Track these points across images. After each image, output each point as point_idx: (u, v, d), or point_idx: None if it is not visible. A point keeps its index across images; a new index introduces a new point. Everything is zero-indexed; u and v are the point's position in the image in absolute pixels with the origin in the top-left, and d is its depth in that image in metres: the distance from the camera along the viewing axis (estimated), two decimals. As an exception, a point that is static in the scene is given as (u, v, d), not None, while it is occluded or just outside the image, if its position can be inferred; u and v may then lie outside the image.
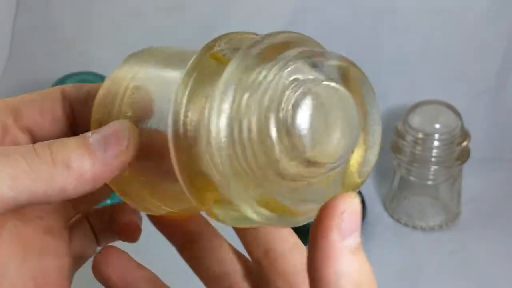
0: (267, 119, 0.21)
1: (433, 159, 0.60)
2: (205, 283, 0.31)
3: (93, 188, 0.23)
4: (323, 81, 0.22)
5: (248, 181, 0.21)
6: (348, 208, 0.20)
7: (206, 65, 0.23)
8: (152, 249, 0.44)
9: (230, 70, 0.21)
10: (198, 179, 0.22)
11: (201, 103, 0.22)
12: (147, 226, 0.31)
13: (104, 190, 0.26)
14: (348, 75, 0.24)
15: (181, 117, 0.22)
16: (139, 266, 0.31)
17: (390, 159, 0.64)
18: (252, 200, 0.21)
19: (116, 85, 0.26)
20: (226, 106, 0.21)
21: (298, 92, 0.21)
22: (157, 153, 0.24)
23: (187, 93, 0.22)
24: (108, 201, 0.65)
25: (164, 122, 0.23)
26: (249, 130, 0.21)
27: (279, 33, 0.22)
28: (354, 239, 0.20)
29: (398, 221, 0.65)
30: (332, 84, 0.22)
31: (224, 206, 0.22)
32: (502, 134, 0.71)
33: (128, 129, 0.24)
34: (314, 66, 0.22)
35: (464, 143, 0.61)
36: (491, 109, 0.70)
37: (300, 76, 0.22)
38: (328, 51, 0.24)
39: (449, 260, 0.60)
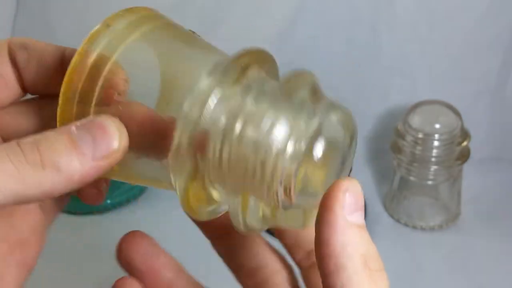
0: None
1: (433, 159, 0.60)
2: (238, 277, 0.31)
3: (81, 186, 0.23)
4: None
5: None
6: (351, 188, 0.22)
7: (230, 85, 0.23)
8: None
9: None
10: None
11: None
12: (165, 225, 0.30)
13: None
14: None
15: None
16: (164, 252, 0.31)
17: (390, 159, 0.64)
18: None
19: (100, 57, 0.25)
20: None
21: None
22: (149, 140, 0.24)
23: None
24: (108, 201, 0.65)
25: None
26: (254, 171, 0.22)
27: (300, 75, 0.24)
28: (357, 218, 0.22)
29: (398, 221, 0.65)
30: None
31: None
32: (502, 134, 0.71)
33: (118, 128, 0.23)
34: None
35: (464, 143, 0.61)
36: (491, 109, 0.70)
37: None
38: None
39: (449, 260, 0.60)
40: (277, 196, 0.23)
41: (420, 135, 0.60)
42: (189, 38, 0.26)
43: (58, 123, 0.24)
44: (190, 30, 0.27)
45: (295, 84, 0.24)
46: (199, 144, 0.23)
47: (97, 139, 0.23)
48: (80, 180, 0.22)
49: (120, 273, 0.66)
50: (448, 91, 0.69)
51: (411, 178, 0.63)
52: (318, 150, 0.23)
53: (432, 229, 0.64)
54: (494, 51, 0.68)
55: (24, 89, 0.27)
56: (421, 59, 0.69)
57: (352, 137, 0.25)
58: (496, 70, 0.69)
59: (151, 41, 0.25)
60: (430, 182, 0.62)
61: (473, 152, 0.62)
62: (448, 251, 0.61)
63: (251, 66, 0.24)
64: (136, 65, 0.25)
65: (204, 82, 0.23)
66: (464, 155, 0.61)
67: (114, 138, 0.23)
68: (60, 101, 0.24)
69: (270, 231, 0.29)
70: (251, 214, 0.24)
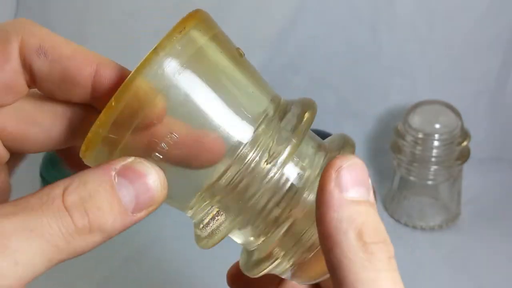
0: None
1: (433, 159, 0.60)
2: None
3: None
4: None
5: None
6: (345, 164, 0.22)
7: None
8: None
9: None
10: None
11: None
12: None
13: None
14: None
15: None
16: None
17: (390, 159, 0.64)
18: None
19: (148, 89, 0.22)
20: None
21: None
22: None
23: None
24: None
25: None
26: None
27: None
28: (357, 193, 0.22)
29: (398, 221, 0.65)
30: None
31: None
32: (502, 134, 0.71)
33: (160, 179, 0.22)
34: None
35: (464, 143, 0.61)
36: (491, 109, 0.70)
37: None
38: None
39: (449, 260, 0.60)
40: None
41: (420, 135, 0.60)
42: (236, 67, 0.25)
43: (89, 143, 0.23)
44: (238, 49, 0.26)
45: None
46: None
47: (140, 196, 0.22)
48: (116, 234, 0.22)
49: (120, 273, 0.66)
50: (448, 91, 0.69)
51: (411, 178, 0.63)
52: None
53: (432, 229, 0.64)
54: (494, 51, 0.68)
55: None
56: (421, 59, 0.69)
57: None
58: (496, 70, 0.69)
59: (198, 75, 0.23)
60: (430, 182, 0.62)
61: (473, 152, 0.62)
62: (448, 251, 0.61)
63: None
64: (180, 104, 0.23)
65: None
66: (464, 155, 0.61)
67: (156, 191, 0.22)
68: (97, 124, 0.22)
69: None
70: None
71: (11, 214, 0.20)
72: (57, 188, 0.21)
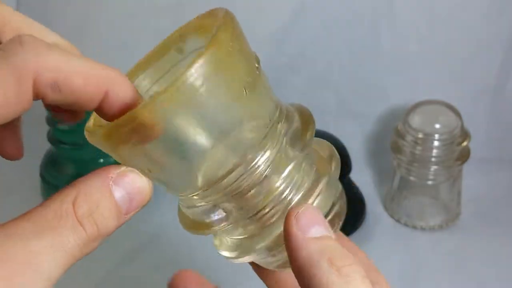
0: None
1: (433, 159, 0.60)
2: None
3: None
4: None
5: None
6: (300, 210, 0.25)
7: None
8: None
9: None
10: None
11: None
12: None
13: None
14: None
15: None
16: None
17: (390, 159, 0.64)
18: None
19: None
20: None
21: None
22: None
23: None
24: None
25: None
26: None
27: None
28: (316, 231, 0.25)
29: (398, 221, 0.65)
30: None
31: None
32: (502, 134, 0.71)
33: (151, 189, 0.26)
34: None
35: (464, 143, 0.61)
36: (491, 109, 0.70)
37: None
38: None
39: (449, 260, 0.60)
40: None
41: (420, 135, 0.60)
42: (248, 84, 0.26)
43: (90, 137, 0.26)
44: (255, 55, 0.27)
45: None
46: None
47: (132, 199, 0.25)
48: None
49: (120, 273, 0.66)
50: (448, 91, 0.69)
51: (411, 178, 0.63)
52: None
53: (432, 229, 0.64)
54: (494, 51, 0.68)
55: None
56: (421, 59, 0.69)
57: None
58: (496, 70, 0.69)
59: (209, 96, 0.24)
60: (430, 182, 0.62)
61: (473, 152, 0.62)
62: (448, 251, 0.61)
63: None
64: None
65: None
66: (464, 155, 0.61)
67: (145, 194, 0.25)
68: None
69: None
70: None
71: (37, 233, 0.23)
72: (67, 202, 0.24)
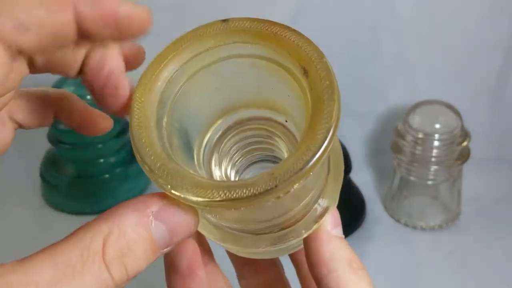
0: None
1: (433, 159, 0.60)
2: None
3: None
4: None
5: None
6: (330, 209, 0.27)
7: None
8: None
9: None
10: None
11: None
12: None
13: None
14: None
15: None
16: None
17: (390, 159, 0.64)
18: None
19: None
20: None
21: None
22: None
23: None
24: (109, 201, 0.65)
25: None
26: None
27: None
28: (338, 231, 0.27)
29: (398, 221, 0.65)
30: None
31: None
32: (502, 134, 0.71)
33: (193, 228, 0.24)
34: None
35: (464, 143, 0.61)
36: (491, 109, 0.70)
37: None
38: None
39: (449, 260, 0.60)
40: None
41: (420, 135, 0.60)
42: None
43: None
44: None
45: None
46: None
47: (173, 237, 0.23)
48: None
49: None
50: (448, 91, 0.69)
51: (411, 178, 0.63)
52: None
53: (432, 229, 0.64)
54: (494, 51, 0.68)
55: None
56: (421, 59, 0.69)
57: None
58: (496, 70, 0.69)
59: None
60: (430, 182, 0.62)
61: (473, 152, 0.62)
62: (448, 251, 0.61)
63: None
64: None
65: None
66: (464, 155, 0.61)
67: (188, 232, 0.24)
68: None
69: None
70: None
71: (56, 283, 0.20)
72: (97, 240, 0.21)
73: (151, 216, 0.22)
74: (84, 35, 0.23)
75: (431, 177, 0.62)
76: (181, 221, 0.23)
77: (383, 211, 0.66)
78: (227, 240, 0.29)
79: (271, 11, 0.70)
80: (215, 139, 0.29)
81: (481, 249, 0.61)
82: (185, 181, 0.22)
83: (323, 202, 0.28)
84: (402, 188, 0.64)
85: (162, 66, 0.26)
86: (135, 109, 0.24)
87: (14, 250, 0.60)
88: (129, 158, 0.65)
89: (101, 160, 0.64)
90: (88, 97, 0.62)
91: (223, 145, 0.29)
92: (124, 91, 0.25)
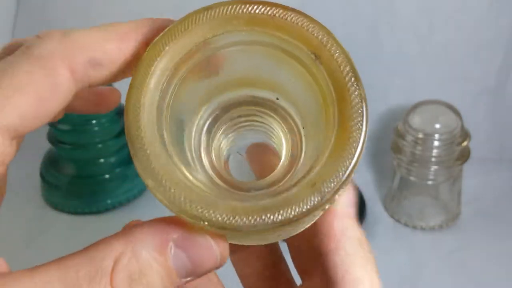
0: None
1: (433, 159, 0.60)
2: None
3: None
4: None
5: None
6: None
7: None
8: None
9: None
10: None
11: None
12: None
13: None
14: None
15: None
16: None
17: (390, 159, 0.64)
18: None
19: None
20: None
21: None
22: None
23: None
24: (108, 201, 0.65)
25: None
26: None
27: None
28: (352, 211, 0.25)
29: (398, 221, 0.65)
30: None
31: None
32: (502, 134, 0.71)
33: (220, 263, 0.21)
34: None
35: (464, 143, 0.61)
36: (491, 109, 0.70)
37: None
38: None
39: (449, 260, 0.60)
40: None
41: (420, 135, 0.60)
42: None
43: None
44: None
45: None
46: None
47: (196, 269, 0.21)
48: None
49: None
50: (448, 91, 0.69)
51: (411, 178, 0.63)
52: None
53: (432, 229, 0.64)
54: (494, 51, 0.68)
55: None
56: (421, 59, 0.69)
57: None
58: (496, 70, 0.69)
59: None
60: (430, 182, 0.62)
61: (473, 152, 0.62)
62: (448, 251, 0.61)
63: None
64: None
65: None
66: (464, 155, 0.61)
67: (213, 267, 0.21)
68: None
69: None
70: None
71: None
72: (108, 259, 0.20)
73: (171, 242, 0.20)
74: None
75: (431, 177, 0.62)
76: (207, 254, 0.21)
77: (383, 211, 0.66)
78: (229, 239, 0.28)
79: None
80: (205, 125, 0.27)
81: (481, 249, 0.61)
82: (218, 209, 0.20)
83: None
84: (402, 188, 0.64)
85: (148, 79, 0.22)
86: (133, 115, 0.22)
87: (14, 250, 0.60)
88: (129, 158, 0.65)
89: (101, 160, 0.64)
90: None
91: (212, 131, 0.27)
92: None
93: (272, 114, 0.27)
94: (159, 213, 0.27)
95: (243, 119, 0.27)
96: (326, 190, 0.20)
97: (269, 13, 0.23)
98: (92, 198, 0.64)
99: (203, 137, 0.26)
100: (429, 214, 0.64)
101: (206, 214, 0.20)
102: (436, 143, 0.60)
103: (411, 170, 0.62)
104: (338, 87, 0.22)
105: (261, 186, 0.26)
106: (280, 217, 0.20)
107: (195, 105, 0.26)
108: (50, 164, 0.66)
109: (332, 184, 0.20)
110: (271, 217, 0.20)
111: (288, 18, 0.23)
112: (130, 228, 0.21)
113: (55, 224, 0.64)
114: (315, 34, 0.23)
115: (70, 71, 0.21)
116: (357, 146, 0.21)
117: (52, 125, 0.63)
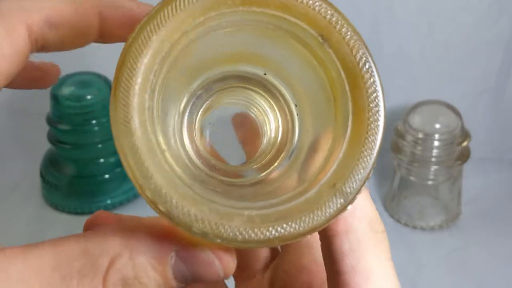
0: None
1: (433, 159, 0.60)
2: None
3: None
4: None
5: None
6: None
7: None
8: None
9: None
10: None
11: None
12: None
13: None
14: None
15: None
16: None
17: (390, 159, 0.64)
18: None
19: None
20: None
21: None
22: None
23: None
24: (108, 201, 0.65)
25: None
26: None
27: None
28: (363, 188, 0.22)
29: (398, 221, 0.65)
30: None
31: None
32: (502, 134, 0.71)
33: (226, 273, 0.20)
34: None
35: (464, 143, 0.61)
36: (491, 109, 0.70)
37: None
38: None
39: (449, 260, 0.60)
40: None
41: (420, 135, 0.60)
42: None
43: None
44: None
45: None
46: None
47: (202, 283, 0.20)
48: None
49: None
50: (448, 91, 0.69)
51: (411, 178, 0.63)
52: None
53: (432, 229, 0.64)
54: (494, 51, 0.68)
55: None
56: (421, 59, 0.69)
57: None
58: (496, 70, 0.69)
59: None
60: (430, 182, 0.62)
61: (473, 152, 0.62)
62: (448, 251, 0.61)
63: None
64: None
65: None
66: (464, 155, 0.61)
67: (222, 277, 0.20)
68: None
69: None
70: None
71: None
72: (105, 257, 0.19)
73: (173, 252, 0.19)
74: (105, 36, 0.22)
75: (431, 177, 0.62)
76: (209, 270, 0.20)
77: (383, 211, 0.66)
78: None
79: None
80: (187, 107, 0.24)
81: (481, 249, 0.61)
82: (233, 221, 0.18)
83: None
84: (402, 188, 0.64)
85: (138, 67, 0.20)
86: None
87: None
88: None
89: (101, 160, 0.64)
90: (88, 97, 0.61)
91: (194, 112, 0.25)
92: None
93: (259, 90, 0.24)
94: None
95: (224, 92, 0.25)
96: (348, 190, 0.19)
97: None
98: (92, 198, 0.64)
99: (185, 120, 0.24)
100: (429, 214, 0.64)
101: (222, 230, 0.18)
102: (436, 143, 0.60)
103: (411, 170, 0.62)
104: (351, 74, 0.20)
105: (254, 170, 0.23)
106: (303, 225, 0.18)
107: (179, 91, 0.23)
108: (50, 164, 0.66)
109: (354, 184, 0.19)
110: (295, 226, 0.18)
111: None
112: (132, 228, 0.19)
113: (55, 224, 0.64)
114: (323, 14, 0.21)
115: (27, 30, 0.21)
116: (376, 140, 0.19)
117: (52, 125, 0.63)
